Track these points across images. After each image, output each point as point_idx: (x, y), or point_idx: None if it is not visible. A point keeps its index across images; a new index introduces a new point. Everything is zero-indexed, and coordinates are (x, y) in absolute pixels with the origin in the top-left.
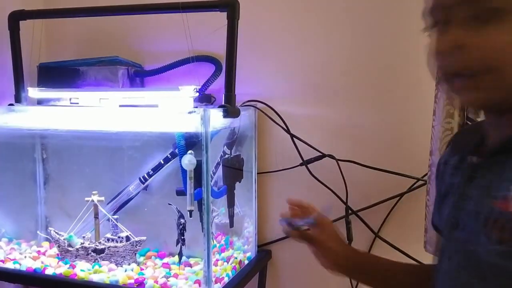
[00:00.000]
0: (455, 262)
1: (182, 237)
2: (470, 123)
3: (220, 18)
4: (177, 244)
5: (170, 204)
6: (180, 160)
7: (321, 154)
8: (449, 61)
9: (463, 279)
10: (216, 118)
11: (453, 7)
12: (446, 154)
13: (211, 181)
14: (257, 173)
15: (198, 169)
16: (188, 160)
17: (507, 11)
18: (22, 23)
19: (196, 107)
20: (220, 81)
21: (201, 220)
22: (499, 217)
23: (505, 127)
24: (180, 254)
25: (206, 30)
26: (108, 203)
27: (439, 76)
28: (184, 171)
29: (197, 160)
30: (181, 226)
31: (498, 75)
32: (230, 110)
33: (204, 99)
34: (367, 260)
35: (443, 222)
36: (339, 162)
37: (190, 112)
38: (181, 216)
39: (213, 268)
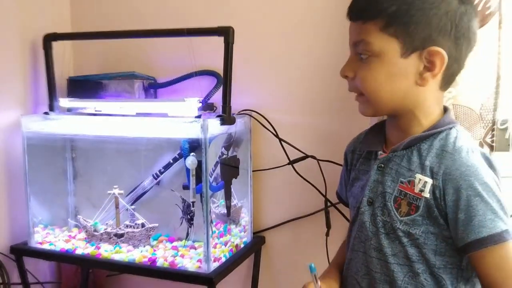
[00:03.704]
0: (371, 229)
1: (192, 222)
2: None
3: (219, 39)
4: (181, 224)
5: (173, 190)
6: (185, 161)
7: (304, 155)
8: (349, 84)
9: (382, 241)
10: (214, 126)
11: (350, 49)
12: (352, 145)
13: (211, 177)
14: (252, 171)
15: (199, 168)
16: (191, 161)
17: (369, 55)
18: (54, 43)
19: (199, 116)
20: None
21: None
22: (405, 197)
23: (400, 130)
24: (188, 234)
25: (208, 48)
26: (126, 196)
27: None
28: (188, 170)
29: (198, 161)
30: (191, 214)
31: (367, 98)
32: (226, 119)
33: (207, 107)
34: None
35: (353, 198)
36: (319, 162)
37: (191, 122)
38: (189, 205)
39: (213, 250)
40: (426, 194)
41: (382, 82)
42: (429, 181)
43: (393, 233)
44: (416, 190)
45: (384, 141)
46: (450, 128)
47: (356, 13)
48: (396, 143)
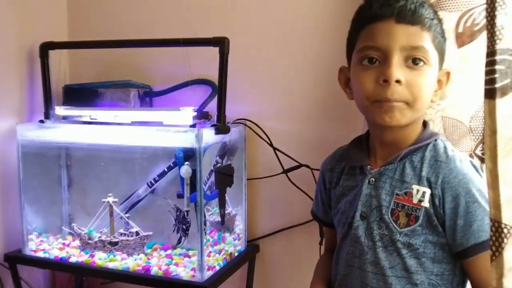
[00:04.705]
0: (366, 243)
1: (187, 232)
2: None
3: (214, 48)
4: (173, 231)
5: (166, 199)
6: (179, 170)
7: (298, 164)
8: (388, 90)
9: (379, 254)
10: (209, 135)
11: (393, 51)
12: (328, 164)
13: (205, 185)
14: (247, 179)
15: (193, 177)
16: (185, 170)
17: (425, 63)
18: (51, 52)
19: (194, 125)
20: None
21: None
22: (403, 209)
23: (390, 143)
24: (180, 241)
25: (204, 58)
26: (121, 204)
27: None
28: (182, 179)
29: (192, 170)
30: (187, 225)
31: (410, 106)
32: (221, 128)
33: (202, 116)
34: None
35: (341, 214)
36: (313, 170)
37: (186, 131)
38: (184, 216)
39: (206, 258)
40: (426, 204)
41: (429, 92)
42: (427, 190)
43: (391, 246)
44: (415, 200)
45: (368, 156)
46: (435, 140)
47: (412, 17)
48: (386, 157)
